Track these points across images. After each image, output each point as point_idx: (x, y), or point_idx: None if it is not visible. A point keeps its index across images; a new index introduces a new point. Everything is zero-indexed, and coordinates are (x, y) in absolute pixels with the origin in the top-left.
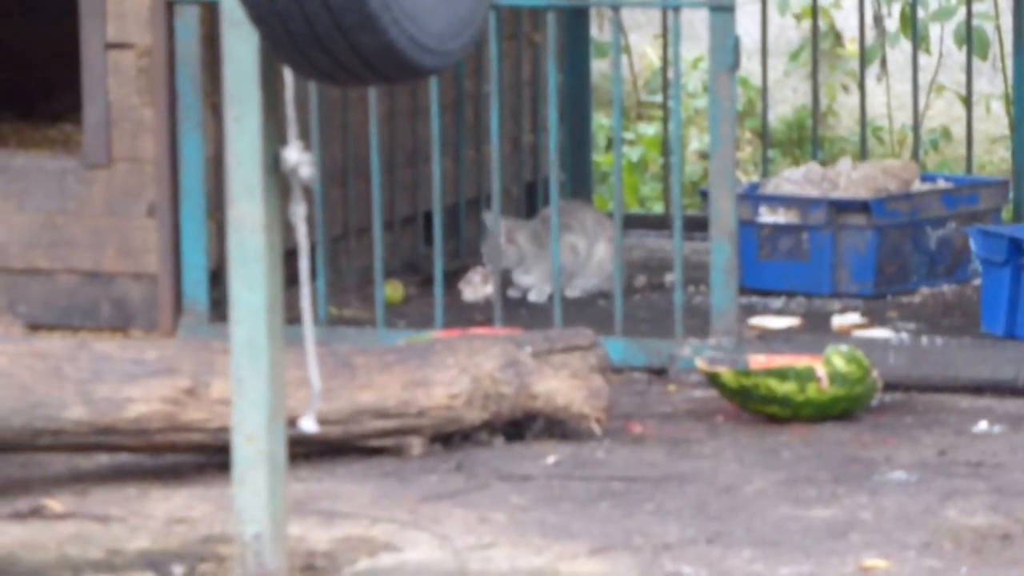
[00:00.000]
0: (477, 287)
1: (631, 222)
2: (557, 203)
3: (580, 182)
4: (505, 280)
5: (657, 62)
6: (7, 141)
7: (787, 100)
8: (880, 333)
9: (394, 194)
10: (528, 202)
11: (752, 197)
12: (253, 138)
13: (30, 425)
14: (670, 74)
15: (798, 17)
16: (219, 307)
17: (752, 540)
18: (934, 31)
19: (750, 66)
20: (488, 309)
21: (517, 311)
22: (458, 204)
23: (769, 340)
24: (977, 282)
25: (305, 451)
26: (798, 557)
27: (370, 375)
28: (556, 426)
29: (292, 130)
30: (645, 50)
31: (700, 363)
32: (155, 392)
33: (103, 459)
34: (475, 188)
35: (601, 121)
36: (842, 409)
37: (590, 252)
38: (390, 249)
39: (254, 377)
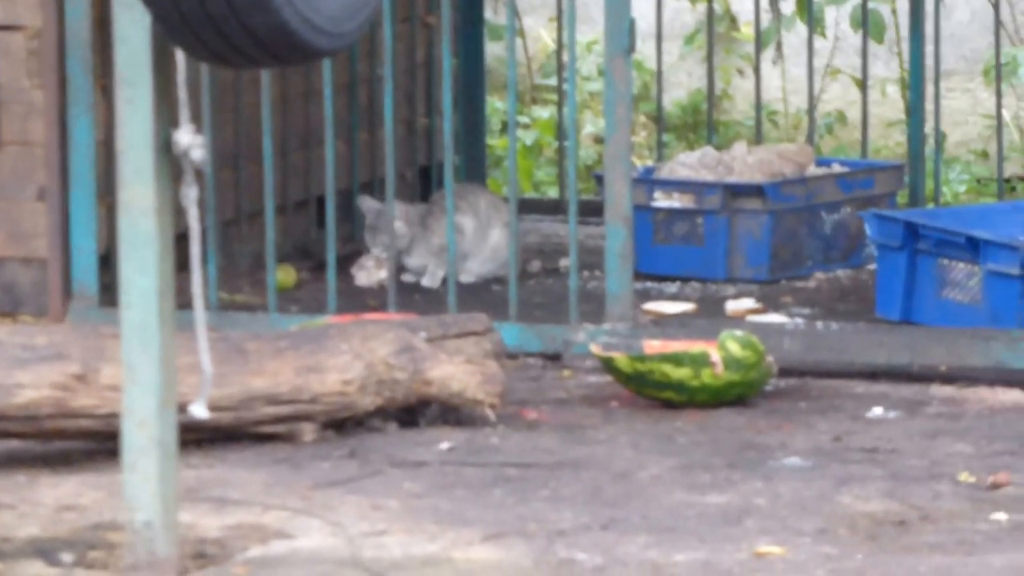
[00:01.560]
0: (371, 272)
1: (526, 206)
2: (451, 187)
3: (474, 166)
4: (397, 265)
5: (552, 45)
6: None
7: (682, 84)
8: (775, 318)
9: (287, 178)
10: (423, 186)
11: (647, 182)
12: (144, 121)
13: None
14: (565, 57)
15: (693, 0)
16: (109, 292)
17: (647, 526)
18: (830, 14)
19: (645, 49)
20: (382, 294)
21: (411, 296)
22: (352, 188)
23: (664, 325)
24: (872, 267)
25: (196, 437)
26: (693, 543)
27: (262, 361)
28: (450, 412)
29: (184, 112)
30: (540, 33)
31: (595, 348)
32: (44, 378)
33: None
34: (369, 172)
35: (495, 105)
36: (737, 394)
37: (484, 236)
38: (282, 233)
39: (145, 363)
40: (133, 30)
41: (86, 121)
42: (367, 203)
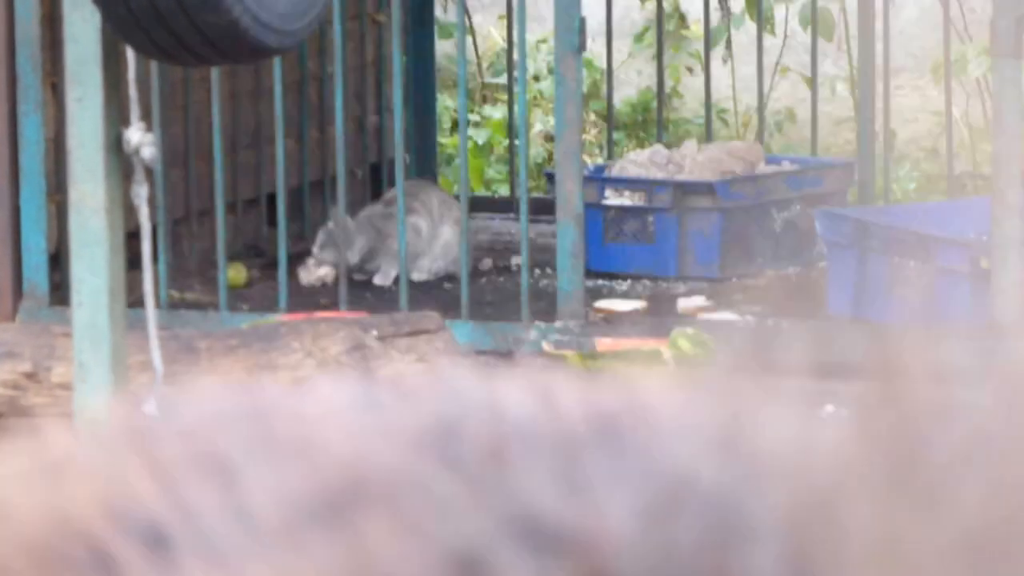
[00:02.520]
0: (311, 271)
1: (477, 204)
2: (402, 185)
3: (425, 164)
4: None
5: (502, 43)
6: None
7: (632, 82)
8: (726, 316)
9: (237, 176)
10: (373, 184)
11: (598, 180)
12: (94, 119)
13: None
14: (515, 55)
15: None
16: (60, 290)
17: None
18: (779, 12)
19: (595, 48)
20: (333, 293)
21: (363, 295)
22: (302, 186)
23: (615, 323)
24: (823, 264)
25: None
26: None
27: (214, 359)
28: None
29: (134, 111)
30: (490, 31)
31: (547, 346)
32: None
33: None
34: (319, 170)
35: (446, 103)
36: None
37: (435, 234)
38: (233, 231)
39: (96, 361)
40: (83, 28)
41: (36, 119)
42: (330, 225)
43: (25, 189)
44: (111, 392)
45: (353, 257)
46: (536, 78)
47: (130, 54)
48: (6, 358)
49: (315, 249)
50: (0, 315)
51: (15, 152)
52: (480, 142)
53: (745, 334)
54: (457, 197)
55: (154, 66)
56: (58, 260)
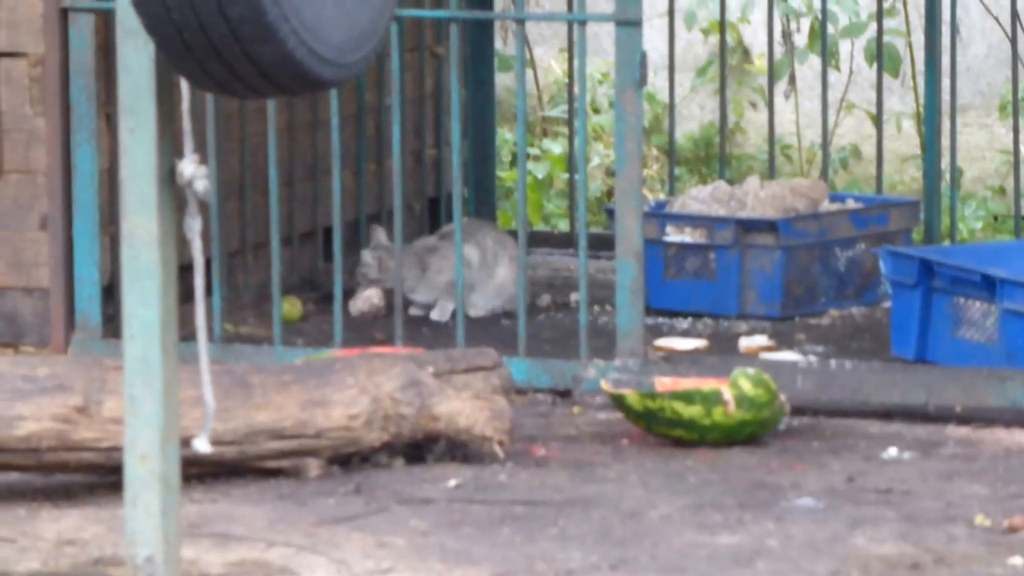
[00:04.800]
0: (357, 296)
1: (535, 240)
2: (460, 218)
3: (483, 198)
4: (389, 297)
5: (562, 76)
6: None
7: (694, 116)
8: (788, 356)
9: (293, 208)
10: (431, 218)
11: (658, 215)
12: (148, 150)
13: None
14: (575, 89)
15: (706, 32)
16: (112, 323)
17: (657, 567)
18: (844, 47)
19: (657, 81)
20: (388, 327)
21: (419, 330)
22: (359, 219)
23: (675, 362)
24: (887, 304)
25: (199, 472)
26: None
27: (267, 394)
28: (458, 448)
29: (188, 142)
30: (550, 64)
31: (605, 385)
32: (46, 410)
33: None
34: (376, 203)
35: (505, 136)
36: (749, 433)
37: (490, 272)
38: (288, 265)
39: (147, 395)
40: (137, 59)
41: (89, 149)
42: (368, 257)
43: (78, 220)
44: (163, 427)
45: (390, 282)
46: (596, 111)
47: (184, 84)
48: (57, 391)
49: (358, 271)
50: (52, 347)
51: (68, 182)
52: (539, 176)
53: (807, 375)
54: (515, 232)
55: (209, 97)
56: (111, 292)
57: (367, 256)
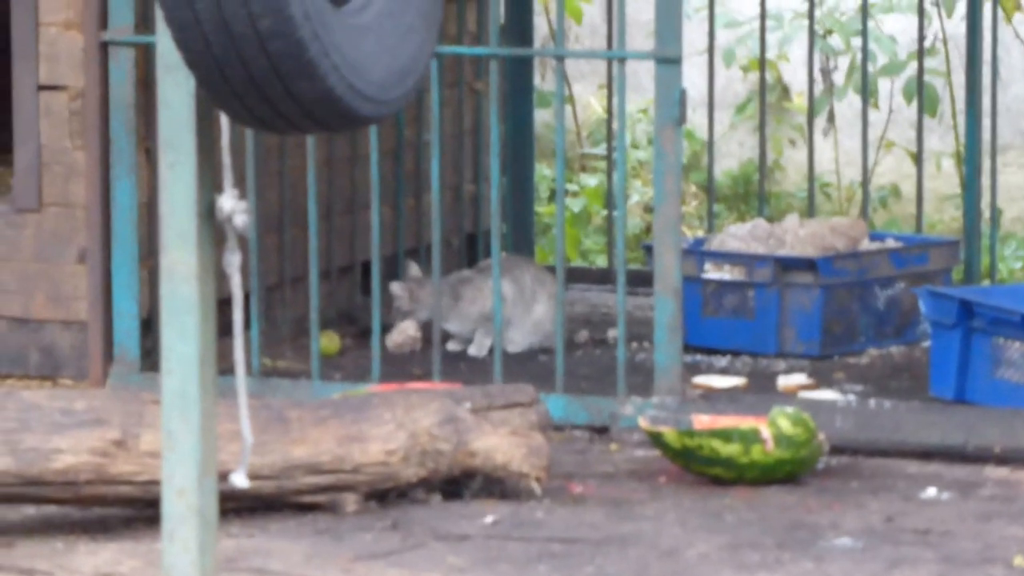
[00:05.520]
0: (393, 330)
1: (573, 276)
2: (498, 254)
3: (521, 234)
4: (426, 331)
5: (601, 112)
6: None
7: (733, 154)
8: (827, 395)
9: (331, 242)
10: (469, 253)
11: (697, 253)
12: (187, 185)
13: None
14: (614, 126)
15: (745, 70)
16: (150, 356)
17: None
18: (883, 86)
19: (696, 118)
20: (427, 363)
21: (456, 365)
22: (397, 254)
23: (713, 400)
24: (926, 344)
25: (236, 507)
26: None
27: (304, 429)
28: (495, 484)
29: (228, 177)
30: (589, 101)
31: (643, 422)
32: (84, 443)
33: (30, 511)
34: (414, 238)
35: (544, 172)
36: (787, 472)
37: (527, 309)
38: (326, 299)
39: (185, 430)
40: (176, 93)
41: (128, 183)
42: (397, 289)
43: (117, 254)
44: (200, 461)
45: (422, 313)
46: (635, 147)
47: (224, 119)
48: (95, 425)
49: (394, 304)
50: (90, 380)
51: (107, 216)
52: (576, 210)
53: (846, 414)
54: (553, 268)
55: (248, 132)
56: (149, 325)
57: (396, 288)
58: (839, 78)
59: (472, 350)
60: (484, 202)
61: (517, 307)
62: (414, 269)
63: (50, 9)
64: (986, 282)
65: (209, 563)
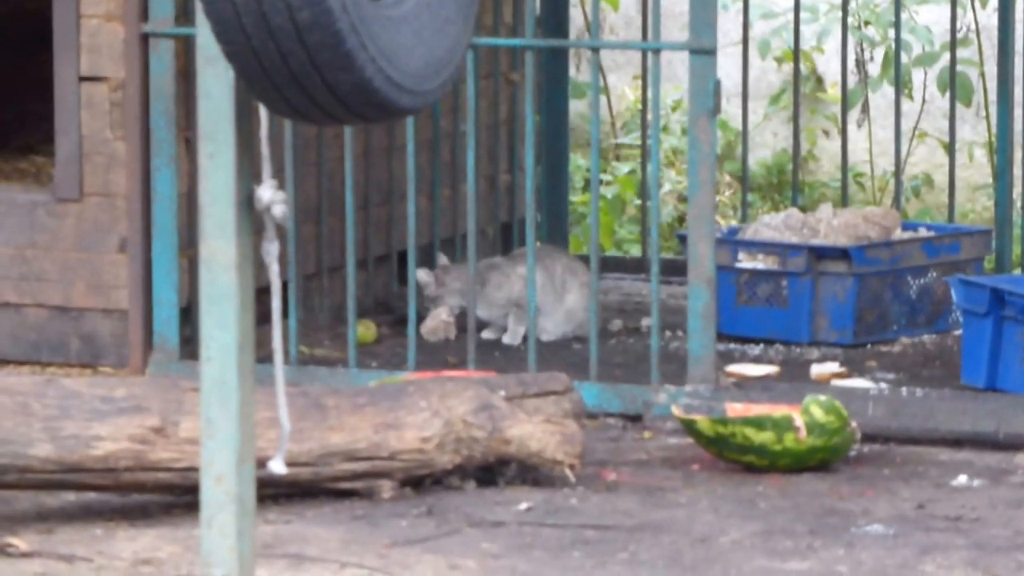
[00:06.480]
0: (430, 320)
1: (607, 265)
2: (533, 243)
3: (556, 223)
4: (460, 319)
5: (635, 103)
6: None
7: (767, 144)
8: (859, 383)
9: (368, 232)
10: (504, 242)
11: (731, 242)
12: (227, 175)
13: None
14: (648, 116)
15: (779, 60)
16: (190, 344)
17: None
18: (917, 77)
19: (730, 109)
20: (461, 351)
21: (491, 354)
22: (433, 243)
23: (747, 388)
24: (958, 332)
25: (274, 493)
26: None
27: (341, 416)
28: (529, 472)
29: (266, 168)
30: (624, 91)
31: (676, 410)
32: (123, 430)
33: (70, 497)
34: (450, 227)
35: (578, 162)
36: (820, 460)
37: (559, 299)
38: (363, 288)
39: (224, 417)
40: (216, 85)
41: (168, 173)
42: (423, 275)
43: (157, 243)
44: (239, 448)
45: (450, 299)
46: (666, 131)
47: (263, 111)
48: (134, 412)
49: (424, 292)
50: (130, 368)
51: (148, 206)
52: (610, 199)
53: (879, 402)
54: (587, 257)
55: (287, 123)
56: (189, 314)
57: (423, 275)
58: (874, 69)
59: (506, 338)
60: (519, 191)
61: (547, 296)
62: (443, 259)
63: (91, 1)
64: (1017, 271)
65: (247, 549)
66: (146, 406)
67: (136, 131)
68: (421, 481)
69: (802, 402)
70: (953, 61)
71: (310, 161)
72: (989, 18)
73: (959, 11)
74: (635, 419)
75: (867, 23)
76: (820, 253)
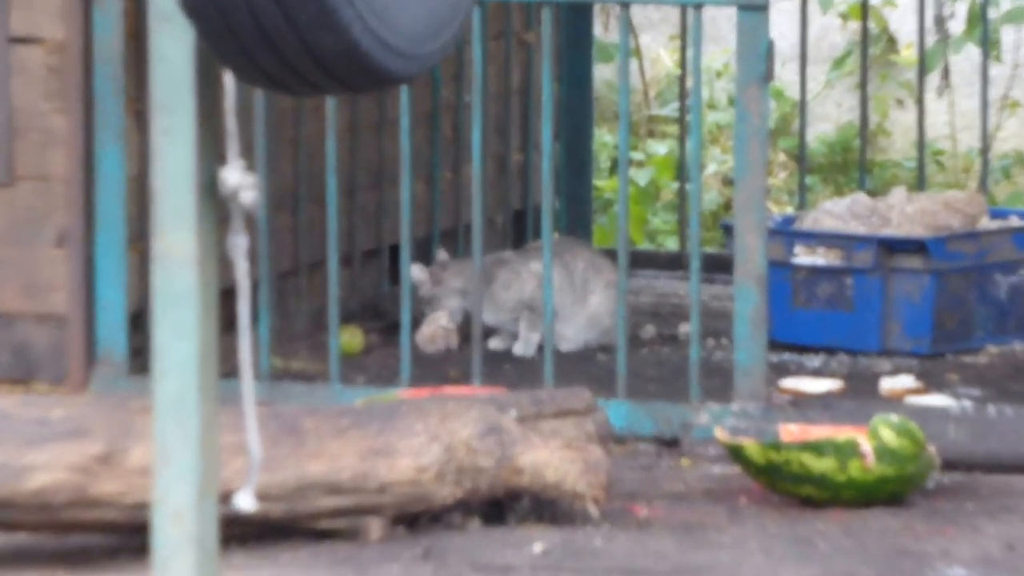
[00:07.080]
0: (426, 326)
1: (638, 261)
2: (549, 234)
3: (577, 211)
4: (463, 327)
5: (673, 68)
6: None
7: (829, 116)
8: (938, 400)
9: (354, 223)
10: (515, 234)
11: (786, 233)
12: (185, 155)
13: None
14: (688, 83)
15: (844, 17)
16: (140, 356)
17: None
18: (1007, 36)
19: (785, 75)
20: (464, 363)
21: (500, 366)
22: (431, 235)
23: (804, 407)
24: None
25: (241, 532)
26: None
27: (321, 442)
28: (544, 507)
29: (233, 146)
30: (659, 54)
31: (720, 433)
32: (61, 459)
33: None
34: (452, 217)
35: (604, 139)
36: (891, 492)
37: (581, 300)
38: (348, 289)
39: (181, 442)
40: (173, 47)
41: (116, 152)
42: (419, 273)
43: (101, 236)
44: (199, 480)
45: (448, 301)
46: (713, 108)
47: (229, 78)
48: (74, 437)
49: (420, 292)
50: (69, 385)
51: (91, 192)
52: (642, 184)
53: (961, 423)
54: (613, 252)
55: (258, 93)
56: (139, 320)
57: (417, 272)
58: (956, 27)
59: (518, 348)
60: (534, 174)
61: (566, 297)
62: (442, 254)
63: None
64: None
65: None
66: (88, 430)
67: (77, 102)
68: (416, 519)
69: (870, 423)
70: None
71: (285, 138)
72: None
73: None
74: (671, 444)
75: None
76: (892, 246)
